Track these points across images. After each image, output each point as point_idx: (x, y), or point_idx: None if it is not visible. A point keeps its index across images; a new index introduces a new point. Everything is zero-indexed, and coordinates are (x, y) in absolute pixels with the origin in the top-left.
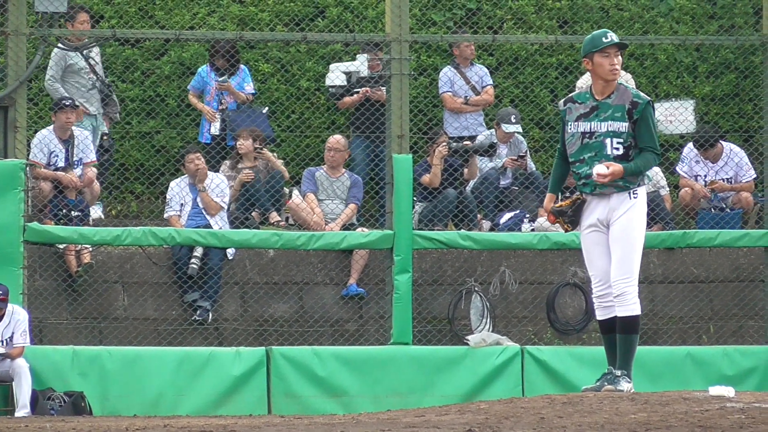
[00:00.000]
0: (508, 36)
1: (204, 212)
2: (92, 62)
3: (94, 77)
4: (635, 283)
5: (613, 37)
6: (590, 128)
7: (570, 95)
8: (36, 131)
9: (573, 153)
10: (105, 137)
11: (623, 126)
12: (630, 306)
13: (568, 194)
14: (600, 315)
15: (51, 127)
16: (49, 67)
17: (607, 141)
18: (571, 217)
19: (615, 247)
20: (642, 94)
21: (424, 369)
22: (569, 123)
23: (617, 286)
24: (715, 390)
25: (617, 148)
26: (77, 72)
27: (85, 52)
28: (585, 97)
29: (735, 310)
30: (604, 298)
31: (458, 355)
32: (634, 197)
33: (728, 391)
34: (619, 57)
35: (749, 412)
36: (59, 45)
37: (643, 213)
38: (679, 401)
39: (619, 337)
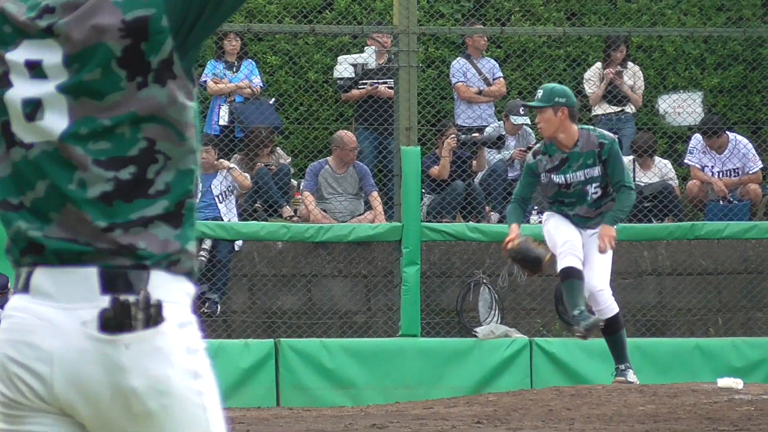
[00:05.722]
0: (516, 28)
1: (216, 201)
2: None
3: None
4: (608, 285)
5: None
6: (565, 180)
7: (537, 147)
8: None
9: (549, 196)
10: None
11: (596, 170)
12: (609, 308)
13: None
14: (566, 262)
15: None
16: None
17: (588, 188)
18: (524, 263)
19: (594, 256)
20: (606, 133)
21: (433, 361)
22: (541, 174)
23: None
24: (724, 382)
25: (596, 192)
26: None
27: None
28: (553, 150)
29: (743, 302)
30: (574, 249)
31: (467, 347)
32: None
33: (736, 383)
34: (547, 113)
35: (757, 404)
36: None
37: None
38: (688, 393)
39: (608, 338)
